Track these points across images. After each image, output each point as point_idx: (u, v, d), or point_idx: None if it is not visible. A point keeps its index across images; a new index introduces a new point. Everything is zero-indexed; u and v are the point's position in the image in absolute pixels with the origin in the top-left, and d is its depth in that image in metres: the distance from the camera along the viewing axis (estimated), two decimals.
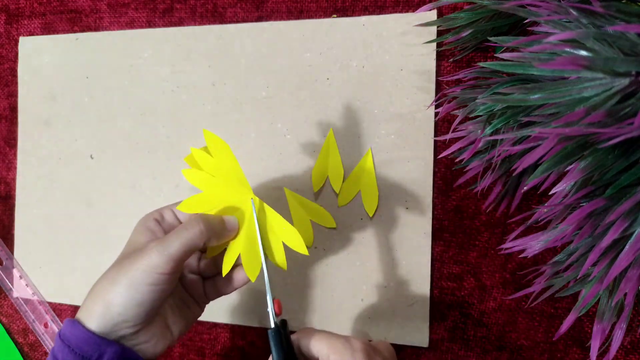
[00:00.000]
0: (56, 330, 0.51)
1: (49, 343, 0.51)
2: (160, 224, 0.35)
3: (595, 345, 0.31)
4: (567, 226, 0.28)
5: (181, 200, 0.35)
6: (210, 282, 0.37)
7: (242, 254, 0.34)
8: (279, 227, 0.35)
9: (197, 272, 0.38)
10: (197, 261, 0.38)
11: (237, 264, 0.36)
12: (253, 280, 0.34)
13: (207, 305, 0.38)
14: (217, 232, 0.33)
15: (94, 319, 0.30)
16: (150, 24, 0.49)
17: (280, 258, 0.34)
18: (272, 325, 0.32)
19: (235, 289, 0.37)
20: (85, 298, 0.32)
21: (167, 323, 0.34)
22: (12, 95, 0.54)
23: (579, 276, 0.31)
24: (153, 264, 0.30)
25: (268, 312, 0.33)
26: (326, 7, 0.44)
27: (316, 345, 0.31)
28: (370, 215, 0.42)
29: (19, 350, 0.53)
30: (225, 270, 0.34)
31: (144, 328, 0.32)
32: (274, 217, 0.35)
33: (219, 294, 0.37)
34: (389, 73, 0.42)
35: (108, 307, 0.30)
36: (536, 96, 0.26)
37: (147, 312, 0.31)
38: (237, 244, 0.35)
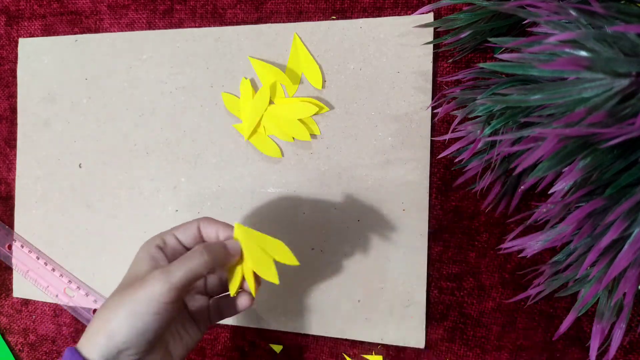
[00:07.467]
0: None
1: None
2: (163, 250, 0.34)
3: (594, 345, 0.31)
4: (566, 226, 0.28)
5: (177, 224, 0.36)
6: (214, 305, 0.37)
7: (246, 276, 0.35)
8: (266, 245, 0.35)
9: (204, 292, 0.37)
10: (204, 281, 0.38)
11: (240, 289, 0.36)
12: (254, 295, 0.35)
13: None
14: (220, 260, 0.33)
15: (96, 350, 0.30)
16: (150, 25, 0.49)
17: (273, 274, 0.34)
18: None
19: (238, 313, 0.37)
20: (87, 327, 0.32)
21: (168, 349, 0.34)
22: (13, 96, 0.53)
23: (578, 276, 0.31)
24: (156, 293, 0.30)
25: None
26: (325, 9, 0.45)
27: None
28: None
29: (16, 350, 0.53)
30: (232, 291, 0.35)
31: (146, 355, 0.31)
32: (260, 238, 0.35)
33: (222, 316, 0.37)
34: (386, 75, 0.43)
35: (110, 337, 0.30)
36: (536, 97, 0.26)
37: (150, 340, 0.31)
38: (244, 266, 0.35)
